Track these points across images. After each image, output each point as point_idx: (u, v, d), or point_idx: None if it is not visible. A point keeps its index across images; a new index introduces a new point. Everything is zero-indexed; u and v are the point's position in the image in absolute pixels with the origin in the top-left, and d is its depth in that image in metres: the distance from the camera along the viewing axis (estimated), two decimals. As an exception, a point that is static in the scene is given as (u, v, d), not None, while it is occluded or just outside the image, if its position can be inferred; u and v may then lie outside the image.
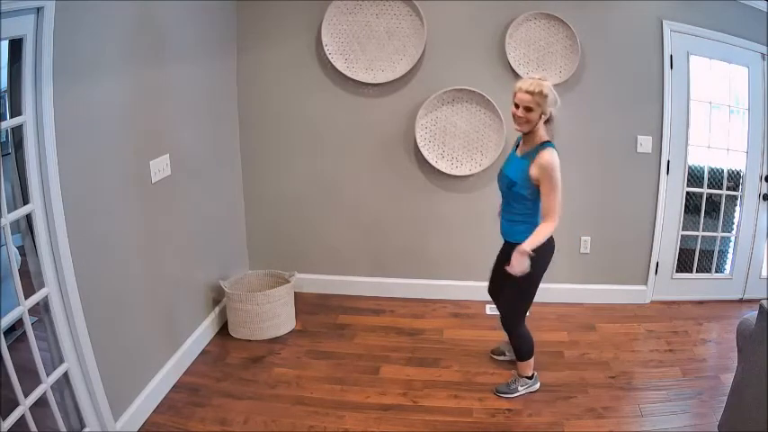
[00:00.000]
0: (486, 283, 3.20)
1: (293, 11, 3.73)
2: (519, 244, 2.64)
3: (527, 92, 2.57)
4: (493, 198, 3.16)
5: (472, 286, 3.95)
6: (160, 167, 2.93)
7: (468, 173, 3.85)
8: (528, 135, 2.69)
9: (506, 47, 3.64)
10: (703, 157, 3.92)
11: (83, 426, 2.43)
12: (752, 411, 2.28)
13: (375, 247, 4.12)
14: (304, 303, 3.99)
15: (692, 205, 3.99)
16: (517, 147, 2.83)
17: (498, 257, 3.05)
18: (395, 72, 3.74)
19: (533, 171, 2.62)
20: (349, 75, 3.76)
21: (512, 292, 2.87)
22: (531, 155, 2.65)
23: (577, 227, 3.90)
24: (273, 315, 3.58)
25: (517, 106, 2.62)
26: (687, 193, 3.92)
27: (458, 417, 2.89)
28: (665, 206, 3.88)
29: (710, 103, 3.84)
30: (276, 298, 3.58)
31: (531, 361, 3.03)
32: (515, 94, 2.62)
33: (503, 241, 2.96)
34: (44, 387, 2.22)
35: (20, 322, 2.19)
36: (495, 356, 3.37)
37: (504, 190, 2.79)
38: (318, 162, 3.99)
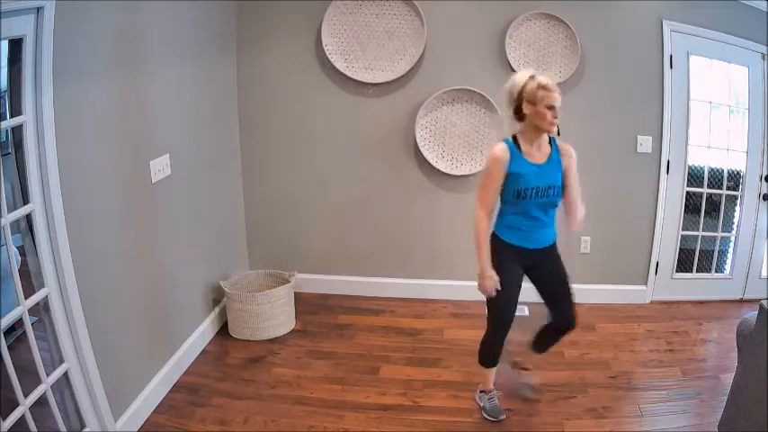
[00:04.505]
0: None
1: (293, 11, 3.74)
2: (554, 244, 2.67)
3: (554, 90, 2.37)
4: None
5: (473, 286, 3.86)
6: (160, 167, 2.93)
7: (468, 173, 3.85)
8: (537, 136, 2.49)
9: (506, 47, 3.64)
10: (703, 157, 3.92)
11: (83, 426, 2.43)
12: (752, 411, 2.28)
13: (375, 247, 4.11)
14: (304, 303, 3.99)
15: (691, 205, 3.99)
16: (519, 153, 2.50)
17: (534, 274, 2.76)
18: (395, 72, 3.74)
19: (564, 165, 2.55)
20: (349, 75, 3.76)
21: None
22: (555, 153, 2.55)
23: (577, 227, 3.90)
24: (273, 315, 3.58)
25: (552, 107, 2.35)
26: (687, 192, 3.92)
27: (458, 417, 2.89)
28: (665, 206, 3.88)
29: (710, 102, 3.84)
30: (276, 298, 3.58)
31: None
32: (545, 96, 2.34)
33: (525, 254, 2.67)
34: (44, 387, 2.22)
35: (20, 322, 2.19)
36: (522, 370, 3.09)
37: (548, 199, 2.54)
38: (318, 162, 3.98)
